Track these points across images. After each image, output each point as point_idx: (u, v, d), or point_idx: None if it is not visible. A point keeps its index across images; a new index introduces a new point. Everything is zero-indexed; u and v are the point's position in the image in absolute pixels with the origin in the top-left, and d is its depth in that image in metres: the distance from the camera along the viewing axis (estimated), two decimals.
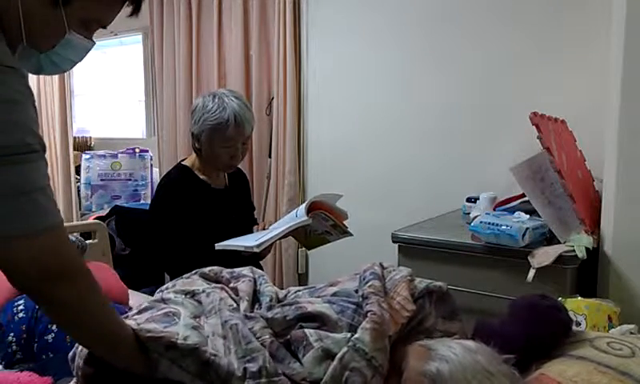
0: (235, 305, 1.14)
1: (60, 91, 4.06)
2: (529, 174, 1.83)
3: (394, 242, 2.00)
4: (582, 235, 1.77)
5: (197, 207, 1.90)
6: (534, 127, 1.75)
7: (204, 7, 3.56)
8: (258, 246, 1.67)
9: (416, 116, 2.85)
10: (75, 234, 2.02)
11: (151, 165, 4.07)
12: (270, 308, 1.14)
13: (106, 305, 0.94)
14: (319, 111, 3.21)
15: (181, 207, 1.88)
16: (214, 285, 1.23)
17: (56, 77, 3.96)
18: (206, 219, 1.91)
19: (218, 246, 1.75)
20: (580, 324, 1.40)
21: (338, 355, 0.96)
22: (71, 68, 1.00)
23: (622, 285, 1.74)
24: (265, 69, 3.35)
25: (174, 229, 1.87)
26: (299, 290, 1.24)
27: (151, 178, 4.04)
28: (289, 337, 1.04)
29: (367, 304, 1.04)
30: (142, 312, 1.09)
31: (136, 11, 0.99)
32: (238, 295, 1.18)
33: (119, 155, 4.04)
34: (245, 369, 0.95)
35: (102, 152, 4.09)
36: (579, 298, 1.50)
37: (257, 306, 1.17)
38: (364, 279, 1.13)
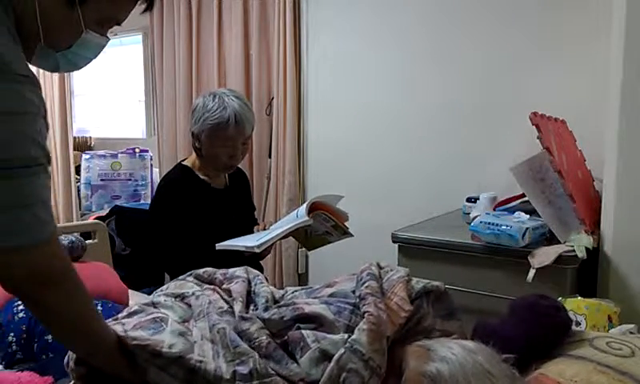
0: (226, 307, 1.13)
1: (60, 91, 4.07)
2: (529, 173, 1.83)
3: (394, 241, 2.00)
4: (582, 235, 1.76)
5: (197, 207, 1.90)
6: (534, 127, 1.75)
7: (204, 7, 3.57)
8: (259, 246, 1.67)
9: (416, 116, 2.86)
10: (75, 233, 2.02)
11: (151, 165, 4.07)
12: (266, 309, 1.13)
13: (90, 310, 0.95)
14: (319, 111, 3.21)
15: (181, 207, 1.88)
16: (205, 287, 1.23)
17: (56, 77, 3.97)
18: (206, 219, 1.91)
19: (219, 246, 1.75)
20: (580, 324, 1.40)
21: (335, 356, 0.96)
22: (87, 65, 1.01)
23: (621, 285, 1.74)
24: (265, 69, 3.35)
25: (174, 229, 1.87)
26: (296, 291, 1.24)
27: (151, 178, 4.04)
28: (286, 338, 1.04)
29: (364, 305, 1.04)
30: (130, 315, 1.09)
31: (150, 8, 1.00)
32: (231, 296, 1.18)
33: (119, 155, 4.04)
34: (234, 372, 0.95)
35: (102, 152, 4.09)
36: (579, 297, 1.50)
37: (252, 307, 1.17)
38: (361, 280, 1.13)
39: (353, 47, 3.04)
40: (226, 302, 1.16)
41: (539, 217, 1.85)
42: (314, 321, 1.05)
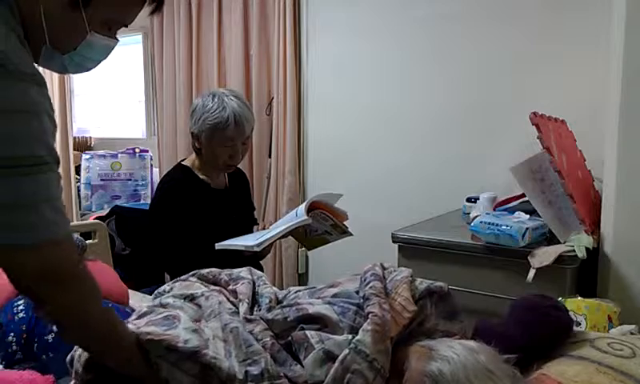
0: (234, 308, 1.13)
1: (60, 91, 4.06)
2: (529, 174, 1.83)
3: (394, 242, 2.00)
4: (582, 235, 1.77)
5: (197, 207, 1.90)
6: (534, 127, 1.75)
7: (204, 7, 3.56)
8: (259, 245, 1.67)
9: (416, 116, 2.86)
10: (75, 234, 2.02)
11: (151, 165, 4.07)
12: (269, 309, 1.13)
13: (107, 309, 0.95)
14: (319, 111, 3.21)
15: (181, 207, 1.88)
16: (212, 287, 1.23)
17: (56, 77, 3.96)
18: (206, 219, 1.91)
19: (219, 245, 1.75)
20: (580, 324, 1.40)
21: (340, 357, 0.96)
22: (95, 66, 1.00)
23: (622, 285, 1.74)
24: (265, 69, 3.35)
25: (174, 229, 1.87)
26: (299, 291, 1.24)
27: (151, 178, 4.04)
28: (289, 338, 1.04)
29: (368, 305, 1.04)
30: (141, 317, 1.09)
31: (158, 9, 1.00)
32: (237, 298, 1.18)
33: (119, 155, 4.04)
34: (246, 372, 0.95)
35: (102, 152, 4.09)
36: (579, 298, 1.50)
37: (256, 308, 1.17)
38: (365, 280, 1.13)
39: (353, 47, 3.04)
40: (232, 303, 1.16)
41: (539, 217, 1.85)
42: (318, 321, 1.05)
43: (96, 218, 3.00)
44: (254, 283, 1.24)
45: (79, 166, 4.10)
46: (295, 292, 1.23)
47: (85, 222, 3.07)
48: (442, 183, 2.76)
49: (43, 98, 0.83)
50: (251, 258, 1.81)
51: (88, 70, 1.01)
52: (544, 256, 1.69)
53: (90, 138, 4.63)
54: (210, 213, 1.93)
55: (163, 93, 3.82)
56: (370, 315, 1.01)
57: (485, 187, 2.34)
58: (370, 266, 1.18)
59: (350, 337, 0.99)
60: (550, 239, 1.82)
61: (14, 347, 1.51)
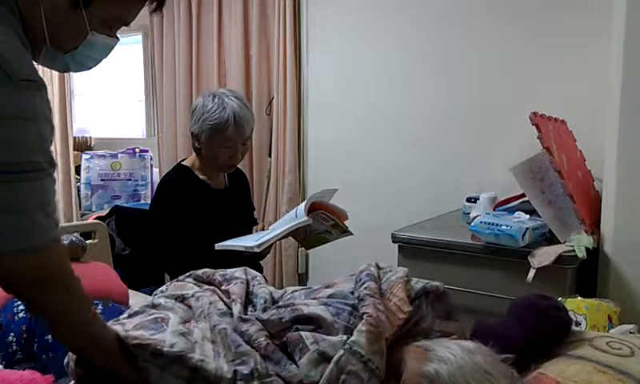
0: (225, 308, 1.13)
1: (60, 91, 4.06)
2: (529, 173, 1.83)
3: (394, 241, 2.00)
4: (582, 235, 1.76)
5: (197, 207, 1.90)
6: (534, 127, 1.75)
7: (204, 7, 3.56)
8: (259, 246, 1.67)
9: (416, 116, 2.85)
10: (75, 233, 2.02)
11: (151, 165, 4.07)
12: (264, 309, 1.13)
13: (90, 311, 0.95)
14: (319, 111, 3.21)
15: (181, 207, 1.88)
16: (205, 287, 1.23)
17: (56, 77, 3.97)
18: (205, 219, 1.91)
19: (218, 246, 1.75)
20: (580, 324, 1.40)
21: (334, 358, 0.96)
22: (96, 65, 1.01)
23: (622, 285, 1.74)
24: (265, 69, 3.35)
25: (174, 229, 1.87)
26: (295, 291, 1.23)
27: (151, 178, 4.04)
28: (285, 339, 1.04)
29: (363, 306, 1.04)
30: (131, 316, 1.10)
31: (159, 7, 1.00)
32: (229, 298, 1.18)
33: (119, 155, 4.04)
34: (235, 371, 0.95)
35: (102, 152, 4.09)
36: (579, 298, 1.50)
37: (250, 308, 1.17)
38: (360, 280, 1.12)
39: (353, 47, 3.04)
40: (225, 303, 1.16)
41: (539, 217, 1.85)
42: (313, 322, 1.05)
43: (96, 218, 3.00)
44: (247, 283, 1.24)
45: (79, 166, 4.10)
46: (291, 292, 1.23)
47: (85, 222, 3.07)
48: (441, 183, 2.76)
49: (43, 102, 0.83)
50: (251, 259, 1.81)
51: (89, 68, 1.01)
52: (544, 256, 1.69)
53: (90, 137, 4.63)
54: (210, 213, 1.93)
55: (163, 93, 3.82)
56: (364, 316, 1.01)
57: (485, 187, 2.34)
58: (365, 266, 1.18)
59: (344, 338, 0.99)
60: (550, 239, 1.82)
61: (14, 347, 1.51)
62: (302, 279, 3.33)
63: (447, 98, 2.75)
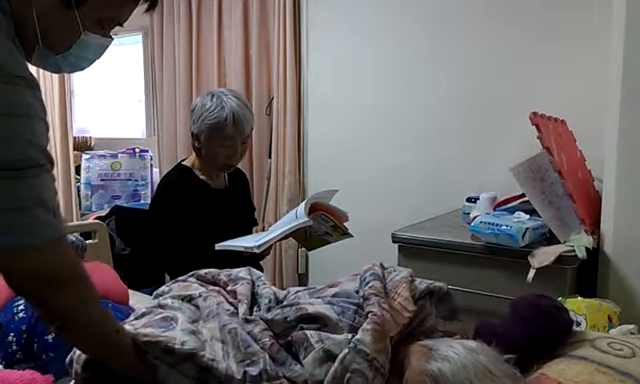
0: (233, 308, 1.13)
1: (60, 91, 4.06)
2: (529, 173, 1.83)
3: (394, 241, 2.00)
4: (582, 235, 1.77)
5: (197, 207, 1.90)
6: (534, 127, 1.75)
7: (204, 7, 3.56)
8: (259, 246, 1.67)
9: (416, 116, 2.86)
10: (75, 233, 2.02)
11: (151, 165, 4.07)
12: (269, 309, 1.14)
13: (104, 310, 0.94)
14: (319, 111, 3.21)
15: (181, 207, 1.88)
16: (210, 288, 1.23)
17: (56, 77, 3.96)
18: (205, 220, 1.91)
19: (218, 246, 1.75)
20: (580, 324, 1.40)
21: (339, 357, 0.96)
22: (90, 66, 1.00)
23: (622, 285, 1.74)
24: (265, 69, 3.35)
25: (174, 229, 1.87)
26: (299, 291, 1.24)
27: (151, 178, 4.04)
28: (289, 338, 1.04)
29: (368, 305, 1.04)
30: (139, 318, 1.09)
31: (152, 7, 1.00)
32: (236, 298, 1.18)
33: (119, 155, 4.04)
34: (245, 372, 0.95)
35: (102, 152, 4.09)
36: (579, 298, 1.50)
37: (255, 309, 1.17)
38: (364, 280, 1.13)
39: (353, 47, 3.04)
40: (231, 303, 1.16)
41: (539, 217, 1.85)
42: (318, 321, 1.05)
43: (96, 218, 3.00)
44: (253, 283, 1.24)
45: (79, 166, 4.10)
46: (295, 292, 1.23)
47: (85, 222, 3.07)
48: (441, 183, 2.76)
49: (35, 100, 0.82)
50: (251, 259, 1.81)
51: (82, 69, 1.00)
52: (544, 256, 1.69)
53: (90, 137, 4.62)
54: (210, 213, 1.93)
55: (163, 93, 3.82)
56: (369, 315, 1.01)
57: (485, 187, 2.34)
58: (369, 265, 1.18)
59: (349, 336, 1.00)
60: (550, 239, 1.82)
61: (14, 347, 1.51)
62: (302, 279, 3.33)
63: (447, 98, 2.75)
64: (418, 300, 1.12)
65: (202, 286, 1.24)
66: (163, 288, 1.27)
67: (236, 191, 2.09)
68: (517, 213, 1.91)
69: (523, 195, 2.01)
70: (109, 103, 4.57)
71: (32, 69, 0.89)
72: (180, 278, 1.30)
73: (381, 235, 2.09)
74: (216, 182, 2.01)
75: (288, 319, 1.07)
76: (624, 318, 1.48)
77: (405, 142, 2.89)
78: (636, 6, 1.67)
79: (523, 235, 1.74)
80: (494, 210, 2.11)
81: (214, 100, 1.87)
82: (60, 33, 0.91)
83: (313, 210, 1.77)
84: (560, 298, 1.43)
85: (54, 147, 4.05)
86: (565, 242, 1.77)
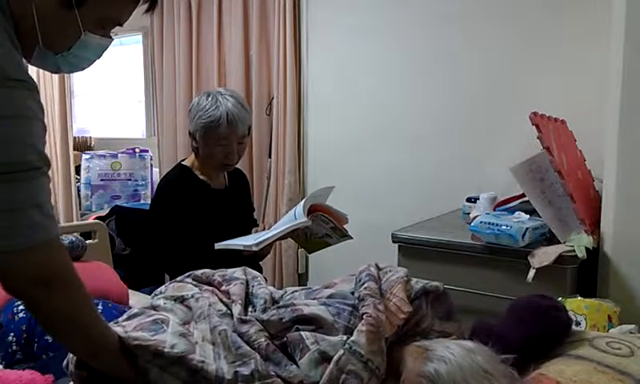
0: (225, 309, 1.13)
1: (60, 91, 4.06)
2: (529, 173, 1.83)
3: (394, 241, 2.00)
4: (582, 235, 1.76)
5: (196, 207, 1.90)
6: (534, 127, 1.75)
7: (204, 7, 3.56)
8: (257, 244, 1.67)
9: (416, 116, 2.86)
10: (75, 233, 2.02)
11: (151, 165, 4.07)
12: (264, 310, 1.13)
13: (92, 312, 0.94)
14: (319, 111, 3.21)
15: (180, 207, 1.88)
16: (204, 288, 1.23)
17: (56, 77, 3.96)
18: (205, 219, 1.91)
19: (218, 245, 1.75)
20: (580, 324, 1.40)
21: (335, 358, 0.96)
22: (90, 66, 1.00)
23: (622, 285, 1.74)
24: (265, 69, 3.35)
25: (174, 229, 1.87)
26: (295, 291, 1.23)
27: (151, 178, 4.04)
28: (285, 339, 1.04)
29: (363, 306, 1.04)
30: (131, 318, 1.09)
31: (152, 8, 0.99)
32: (229, 298, 1.18)
33: (119, 155, 4.04)
34: (236, 372, 0.95)
35: (102, 152, 4.09)
36: (579, 297, 1.50)
37: (250, 309, 1.17)
38: (360, 281, 1.13)
39: (353, 47, 3.04)
40: (225, 304, 1.16)
41: (539, 217, 1.85)
42: (313, 322, 1.05)
43: (96, 218, 3.00)
44: (247, 284, 1.24)
45: (79, 166, 4.10)
46: (291, 293, 1.23)
47: (85, 222, 3.07)
48: (441, 183, 2.76)
49: (33, 102, 0.82)
50: (250, 259, 1.81)
51: (82, 69, 1.00)
52: (544, 256, 1.69)
53: (90, 137, 4.63)
54: (210, 213, 1.93)
55: (163, 93, 3.82)
56: (364, 316, 1.01)
57: (485, 187, 2.34)
58: (364, 266, 1.18)
59: (344, 338, 0.99)
60: (550, 239, 1.82)
61: (14, 347, 1.52)
62: (301, 279, 3.33)
63: (447, 98, 2.75)
64: (414, 300, 1.11)
65: (196, 286, 1.24)
66: (161, 288, 1.27)
67: (236, 191, 2.09)
68: (517, 213, 1.90)
69: (523, 195, 2.01)
70: (109, 103, 4.58)
71: (32, 69, 0.89)
72: (177, 278, 1.30)
73: (381, 235, 2.09)
74: (216, 182, 2.00)
75: (283, 320, 1.07)
76: (624, 317, 1.48)
77: (405, 142, 2.89)
78: (636, 6, 1.67)
79: (523, 235, 1.74)
80: (494, 209, 2.11)
81: (209, 99, 1.87)
82: (60, 33, 0.91)
83: (312, 210, 1.77)
84: (560, 298, 1.43)
85: (54, 147, 4.05)
86: (565, 242, 1.77)
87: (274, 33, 3.23)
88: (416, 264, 1.87)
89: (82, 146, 4.52)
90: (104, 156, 4.03)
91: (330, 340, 1.00)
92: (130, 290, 1.92)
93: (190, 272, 1.31)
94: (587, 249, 1.71)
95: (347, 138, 3.09)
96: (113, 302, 1.71)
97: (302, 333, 1.02)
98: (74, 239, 1.93)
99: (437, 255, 1.91)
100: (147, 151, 4.07)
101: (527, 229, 1.75)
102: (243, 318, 1.08)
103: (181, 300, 1.18)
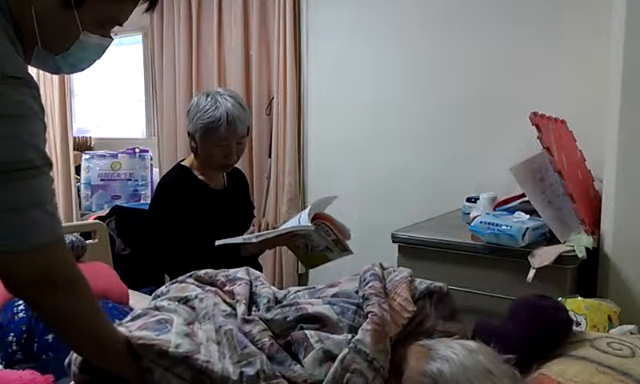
0: (229, 309, 1.13)
1: (60, 91, 4.06)
2: (529, 174, 1.83)
3: (394, 241, 2.00)
4: (582, 235, 1.77)
5: (196, 208, 1.90)
6: (534, 127, 1.75)
7: (204, 7, 3.56)
8: (257, 237, 1.68)
9: (416, 116, 2.86)
10: (75, 233, 2.02)
11: (151, 165, 4.07)
12: (268, 309, 1.13)
13: (99, 313, 0.94)
14: (319, 111, 3.21)
15: (180, 208, 1.88)
16: (207, 288, 1.23)
17: (56, 77, 3.96)
18: (205, 220, 1.91)
19: (219, 242, 1.75)
20: (580, 324, 1.40)
21: (339, 357, 0.96)
22: (89, 66, 0.99)
23: (622, 285, 1.74)
24: (265, 69, 3.35)
25: (174, 229, 1.87)
26: (299, 291, 1.24)
27: (151, 178, 4.04)
28: (289, 338, 1.04)
29: (368, 305, 1.04)
30: (135, 319, 1.09)
31: (151, 7, 0.99)
32: (233, 298, 1.17)
33: (119, 155, 4.04)
34: (241, 373, 0.94)
35: (101, 152, 4.09)
36: (579, 298, 1.50)
37: (254, 309, 1.17)
38: (364, 280, 1.13)
39: (353, 47, 3.04)
40: (229, 304, 1.16)
41: (539, 217, 1.85)
42: (318, 321, 1.05)
43: (96, 218, 3.01)
44: (251, 284, 1.24)
45: (79, 166, 4.10)
46: (295, 292, 1.23)
47: (85, 222, 3.07)
48: (441, 183, 2.76)
49: (33, 101, 0.82)
50: (250, 259, 1.81)
51: (82, 69, 1.00)
52: (544, 256, 1.69)
53: (90, 137, 4.62)
54: (209, 213, 1.93)
55: (163, 93, 3.82)
56: (369, 315, 1.01)
57: (485, 187, 2.33)
58: (369, 265, 1.18)
59: (349, 336, 0.99)
60: (550, 239, 1.82)
61: (14, 347, 1.52)
62: (301, 279, 3.33)
63: (447, 97, 2.75)
64: (418, 300, 1.11)
65: (199, 287, 1.24)
66: (162, 289, 1.26)
67: (235, 191, 2.09)
68: (517, 213, 1.90)
69: (523, 195, 2.01)
70: (109, 103, 4.58)
71: (31, 69, 0.89)
72: (179, 278, 1.30)
73: (381, 235, 2.09)
74: (215, 182, 2.00)
75: (288, 319, 1.07)
76: (624, 318, 1.48)
77: (405, 142, 2.89)
78: (636, 6, 1.67)
79: (523, 235, 1.74)
80: (494, 209, 2.11)
81: (209, 100, 1.86)
82: (59, 33, 0.90)
83: (316, 219, 1.77)
84: (560, 298, 1.43)
85: (54, 147, 4.05)
86: (565, 242, 1.77)
87: (274, 33, 3.23)
88: (416, 264, 1.86)
89: (82, 146, 4.52)
90: (104, 156, 4.03)
91: (335, 339, 1.00)
92: (130, 290, 1.92)
93: (192, 272, 1.31)
94: (587, 249, 1.71)
95: (347, 138, 3.09)
96: (113, 302, 1.72)
97: (307, 332, 1.02)
98: (74, 239, 1.92)
99: (437, 255, 1.91)
100: (147, 151, 4.07)
101: (527, 229, 1.75)
102: (246, 317, 1.08)
103: (184, 301, 1.18)
